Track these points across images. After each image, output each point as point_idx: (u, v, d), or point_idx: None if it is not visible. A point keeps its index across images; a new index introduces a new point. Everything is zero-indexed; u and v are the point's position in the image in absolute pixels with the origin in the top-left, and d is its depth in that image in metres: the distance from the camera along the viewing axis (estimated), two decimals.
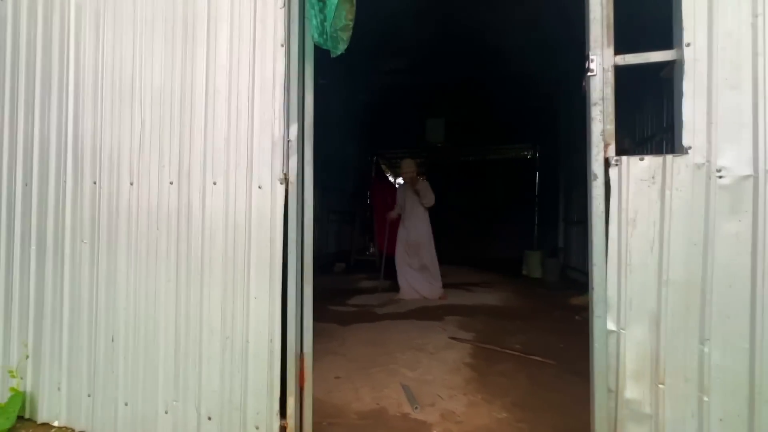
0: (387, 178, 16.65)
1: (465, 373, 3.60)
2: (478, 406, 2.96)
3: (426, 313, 5.92)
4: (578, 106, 8.62)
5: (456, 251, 13.30)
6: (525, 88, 9.44)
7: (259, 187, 2.09)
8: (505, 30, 6.78)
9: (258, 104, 2.10)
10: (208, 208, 2.18)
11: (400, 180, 19.30)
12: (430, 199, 6.98)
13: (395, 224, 12.39)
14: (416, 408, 2.87)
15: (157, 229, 2.26)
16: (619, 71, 1.65)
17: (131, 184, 2.33)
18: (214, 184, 2.17)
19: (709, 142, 1.52)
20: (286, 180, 2.05)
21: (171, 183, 2.25)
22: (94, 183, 2.41)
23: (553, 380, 3.45)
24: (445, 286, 8.28)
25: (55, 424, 2.46)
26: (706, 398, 1.51)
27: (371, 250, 12.98)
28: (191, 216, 2.20)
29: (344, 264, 10.90)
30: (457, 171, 14.52)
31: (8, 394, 2.46)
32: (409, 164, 7.19)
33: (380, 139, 14.68)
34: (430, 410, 2.89)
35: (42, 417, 2.49)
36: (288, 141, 2.06)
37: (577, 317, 5.80)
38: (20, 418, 2.47)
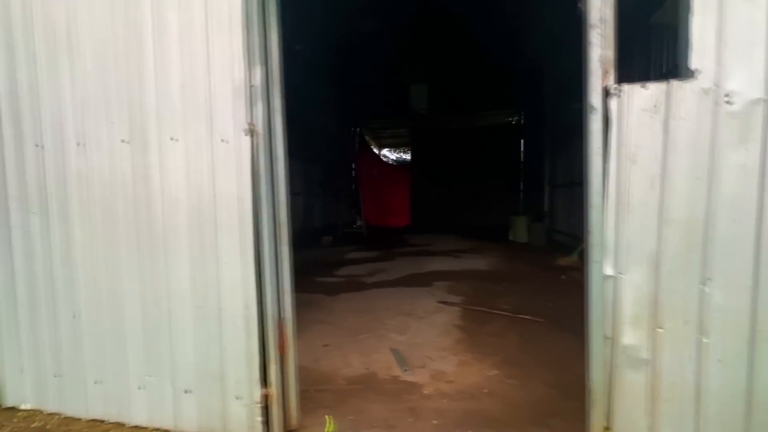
0: (371, 149, 16.31)
1: (455, 334, 3.57)
2: (469, 365, 2.93)
3: (415, 280, 5.88)
4: (563, 66, 8.35)
5: (443, 220, 13.33)
6: (509, 49, 9.12)
7: (222, 141, 1.87)
8: None
9: (215, 45, 1.84)
10: (167, 166, 1.95)
11: (385, 151, 18.95)
12: None
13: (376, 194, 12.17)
14: (405, 370, 2.82)
15: (112, 193, 2.04)
16: None
17: (78, 144, 2.07)
18: (172, 139, 1.94)
19: (718, 63, 1.37)
20: (251, 131, 1.83)
21: (123, 141, 2.01)
22: (37, 146, 2.14)
23: (542, 337, 3.45)
24: (432, 254, 8.27)
25: (24, 407, 2.30)
26: (705, 340, 1.45)
27: (358, 222, 12.87)
28: (149, 177, 1.98)
29: (331, 237, 10.76)
30: (443, 140, 14.27)
31: None
32: None
33: (363, 108, 14.23)
34: (420, 372, 2.84)
35: (8, 401, 2.33)
36: (251, 86, 1.82)
37: (563, 277, 5.85)
38: None
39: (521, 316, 4.01)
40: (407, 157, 17.64)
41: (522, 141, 13.16)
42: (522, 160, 13.15)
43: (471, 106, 13.52)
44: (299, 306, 4.62)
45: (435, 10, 7.77)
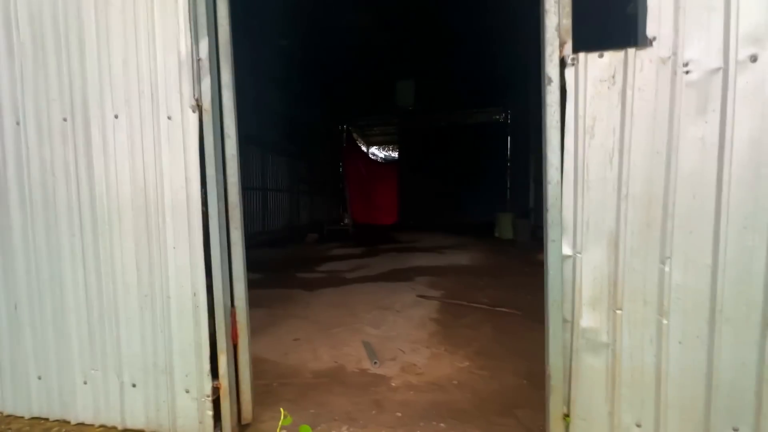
0: (359, 147, 16.19)
1: (430, 327, 3.50)
2: (440, 358, 2.86)
3: (397, 275, 5.81)
4: None
5: (431, 217, 13.31)
6: (495, 47, 9.12)
7: (169, 118, 1.76)
8: None
9: (158, 15, 1.73)
10: (110, 146, 1.84)
11: (373, 149, 18.88)
12: None
13: (363, 191, 12.10)
14: (375, 363, 2.73)
15: (53, 175, 1.91)
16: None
17: (18, 123, 1.94)
18: (116, 117, 1.82)
19: (675, 30, 1.31)
20: (199, 107, 1.73)
21: (65, 119, 1.88)
22: None
23: (517, 329, 3.40)
24: (416, 250, 8.22)
25: None
26: (665, 321, 1.39)
27: (346, 220, 12.76)
28: (92, 157, 1.86)
29: (317, 234, 10.64)
30: (430, 137, 14.25)
31: None
32: None
33: (350, 106, 14.14)
34: (390, 364, 2.76)
35: None
36: (198, 60, 1.72)
37: None
38: None
39: (499, 308, 3.96)
40: (395, 154, 17.58)
41: (508, 138, 13.20)
42: (508, 157, 13.19)
43: (458, 104, 13.53)
44: (276, 301, 4.53)
45: (420, 6, 7.72)
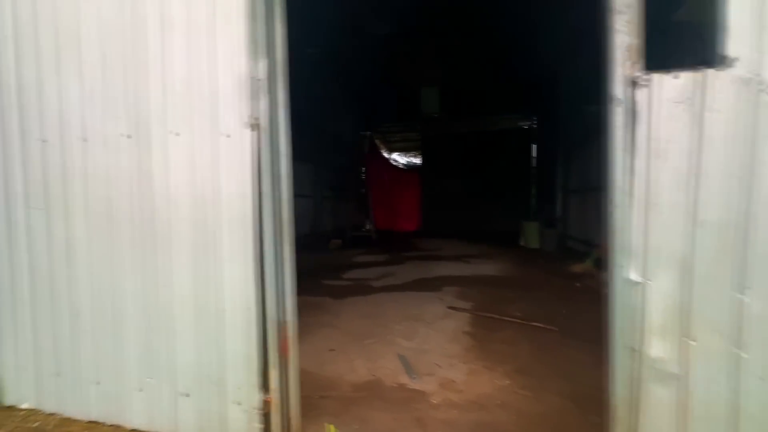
0: (381, 153, 16.25)
1: (464, 341, 3.45)
2: (479, 374, 2.81)
3: (423, 284, 5.77)
4: (581, 68, 8.24)
5: (453, 224, 13.18)
6: (523, 53, 9.01)
7: (227, 136, 1.81)
8: None
9: (220, 37, 1.79)
10: (171, 162, 1.90)
11: (395, 155, 18.95)
12: None
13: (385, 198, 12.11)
14: (414, 378, 2.71)
15: (115, 189, 2.00)
16: None
17: (84, 140, 2.04)
18: (177, 134, 1.89)
19: (759, 51, 1.25)
20: (255, 125, 1.77)
21: (129, 137, 1.97)
22: (44, 141, 2.12)
23: (556, 346, 3.31)
24: (441, 258, 8.15)
25: (24, 406, 2.27)
26: (744, 355, 1.32)
27: (368, 226, 12.80)
28: (152, 173, 1.93)
29: (340, 240, 10.71)
30: (453, 144, 14.16)
31: None
32: None
33: (374, 112, 14.24)
34: (428, 380, 2.73)
35: (9, 399, 2.29)
36: (256, 79, 1.76)
37: (577, 284, 5.66)
38: None
39: (533, 323, 3.86)
40: (417, 161, 17.54)
41: (534, 146, 12.95)
42: (534, 165, 12.94)
43: (482, 110, 13.39)
44: (305, 309, 4.57)
45: (448, 13, 7.72)
